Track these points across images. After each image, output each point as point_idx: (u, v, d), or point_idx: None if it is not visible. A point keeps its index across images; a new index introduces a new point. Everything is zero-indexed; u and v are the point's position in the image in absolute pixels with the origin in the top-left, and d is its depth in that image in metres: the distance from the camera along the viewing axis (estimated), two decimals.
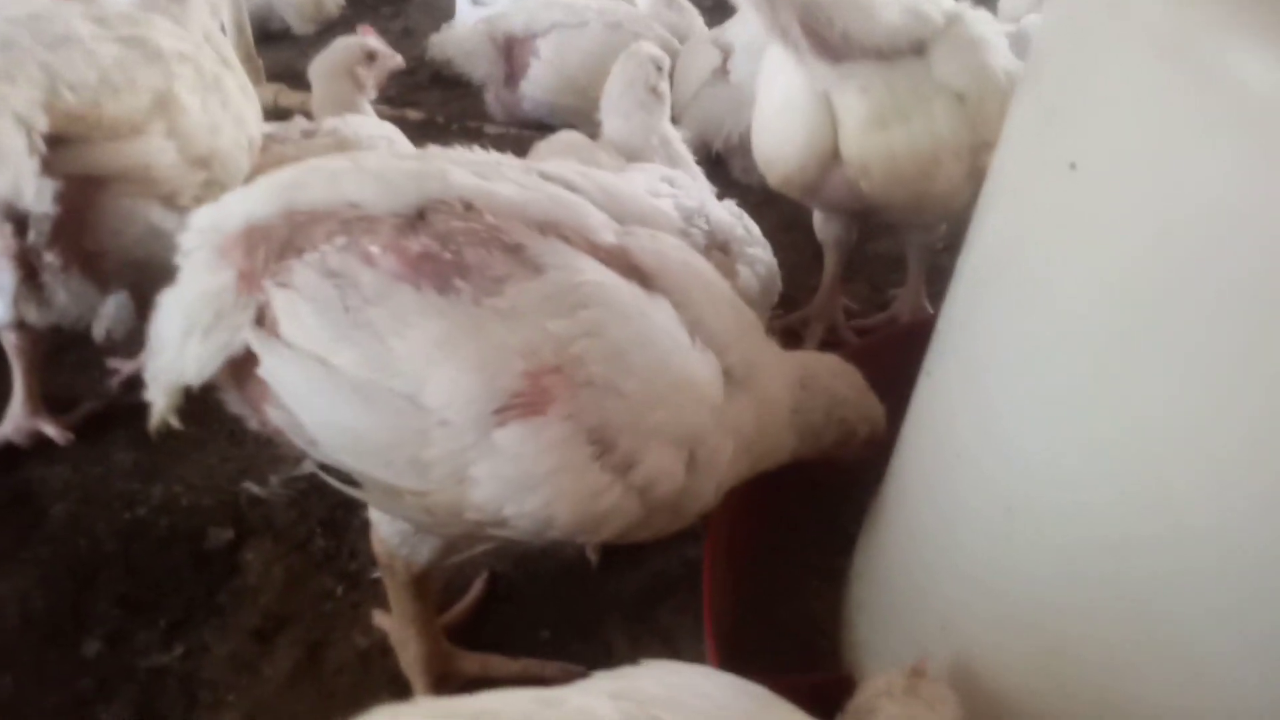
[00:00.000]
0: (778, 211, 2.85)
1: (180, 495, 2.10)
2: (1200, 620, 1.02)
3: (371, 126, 2.53)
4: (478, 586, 1.89)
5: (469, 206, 1.26)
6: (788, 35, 1.96)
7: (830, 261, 2.58)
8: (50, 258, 1.75)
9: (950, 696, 1.15)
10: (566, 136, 2.38)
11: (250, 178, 1.66)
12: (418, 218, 1.24)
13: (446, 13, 4.09)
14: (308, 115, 2.65)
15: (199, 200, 1.38)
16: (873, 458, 1.72)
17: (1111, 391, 1.04)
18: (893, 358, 1.62)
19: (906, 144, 2.05)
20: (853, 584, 1.71)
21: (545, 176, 1.38)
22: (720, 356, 1.38)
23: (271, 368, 1.23)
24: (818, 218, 2.53)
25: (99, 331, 2.25)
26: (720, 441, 1.37)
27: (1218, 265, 0.91)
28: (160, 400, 1.31)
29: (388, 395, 1.19)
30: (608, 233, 1.36)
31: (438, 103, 3.89)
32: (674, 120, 2.52)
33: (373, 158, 1.32)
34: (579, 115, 3.10)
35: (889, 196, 2.13)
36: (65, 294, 1.81)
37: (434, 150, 1.43)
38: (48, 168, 1.60)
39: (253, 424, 1.41)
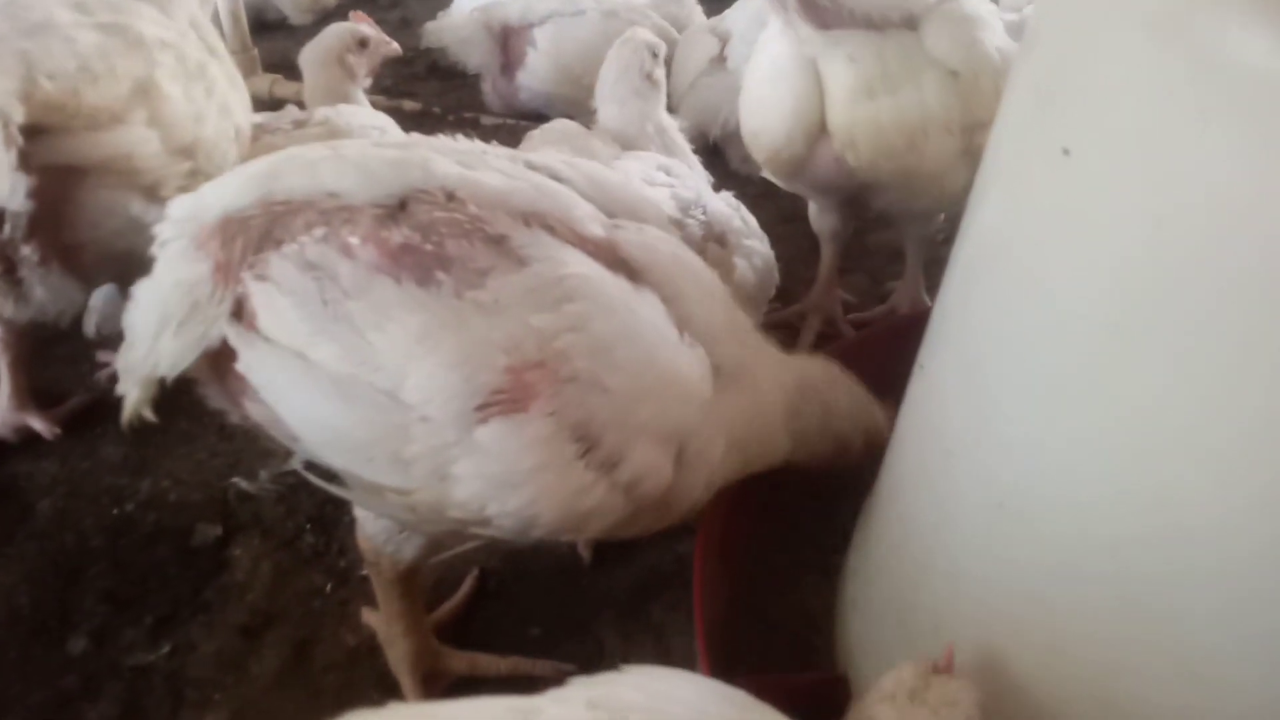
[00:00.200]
0: (775, 204, 2.83)
1: (168, 490, 2.08)
2: (1197, 619, 1.00)
3: (364, 116, 2.49)
4: (468, 583, 1.87)
5: (452, 196, 1.24)
6: None
7: (827, 254, 2.56)
8: (27, 252, 1.72)
9: (963, 698, 1.11)
10: (561, 125, 2.35)
11: None
12: (399, 208, 1.22)
13: (444, 2, 4.06)
14: (302, 106, 2.61)
15: (183, 192, 1.35)
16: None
17: (1107, 385, 1.02)
18: (891, 350, 1.59)
19: (894, 115, 2.02)
20: (847, 581, 1.68)
21: (531, 166, 1.35)
22: (709, 352, 1.36)
23: (250, 362, 1.22)
24: (813, 209, 2.50)
25: (89, 325, 2.24)
26: (710, 438, 1.35)
27: (1216, 253, 0.88)
28: (134, 393, 1.29)
29: (367, 391, 1.17)
30: (595, 224, 1.33)
31: (434, 93, 3.87)
32: (671, 109, 2.50)
33: (353, 146, 1.30)
34: (576, 105, 3.07)
35: (876, 171, 2.10)
36: (44, 289, 1.78)
37: (417, 138, 1.40)
38: (25, 159, 1.58)
39: (234, 418, 1.39)
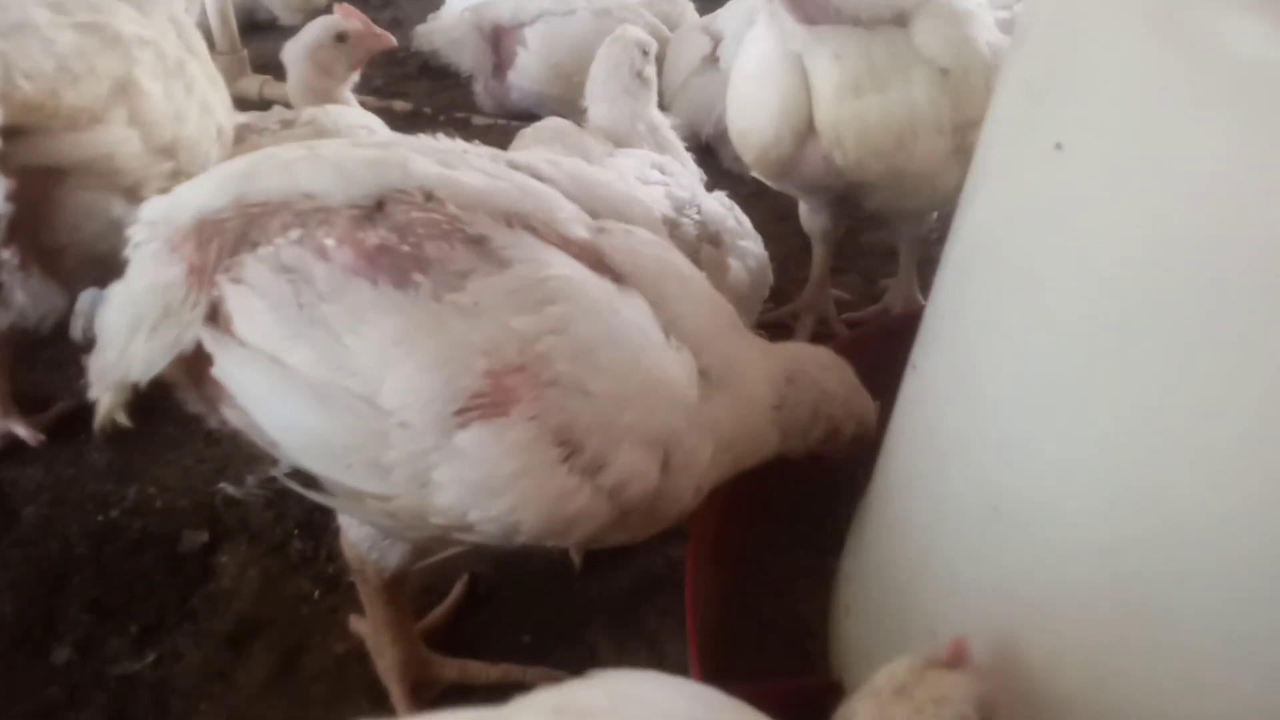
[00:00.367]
0: (768, 203, 2.80)
1: (155, 497, 2.06)
2: (1196, 623, 0.97)
3: (353, 116, 2.46)
4: (457, 589, 1.85)
5: (430, 196, 1.21)
6: None
7: (818, 254, 2.53)
8: (7, 256, 1.70)
9: (955, 695, 1.04)
10: (553, 124, 2.32)
11: None
12: (376, 209, 1.19)
13: (436, 3, 4.04)
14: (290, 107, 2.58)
15: (165, 192, 1.33)
16: (864, 454, 1.67)
17: (1103, 384, 0.99)
18: (885, 350, 1.57)
19: (881, 113, 1.99)
20: (841, 585, 1.66)
21: (514, 165, 1.33)
22: (696, 355, 1.34)
23: (225, 367, 1.20)
24: (804, 210, 2.48)
25: (76, 329, 2.21)
26: (697, 442, 1.33)
27: (1214, 248, 0.86)
28: (106, 398, 1.27)
29: (344, 396, 1.14)
30: (579, 226, 1.31)
31: (425, 93, 3.84)
32: (663, 108, 2.47)
33: (330, 145, 1.27)
34: (567, 105, 3.04)
35: (864, 171, 2.07)
36: (24, 294, 1.76)
37: (396, 137, 1.38)
38: (4, 160, 1.56)
39: (212, 423, 1.37)
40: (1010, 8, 2.53)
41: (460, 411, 1.13)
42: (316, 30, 2.58)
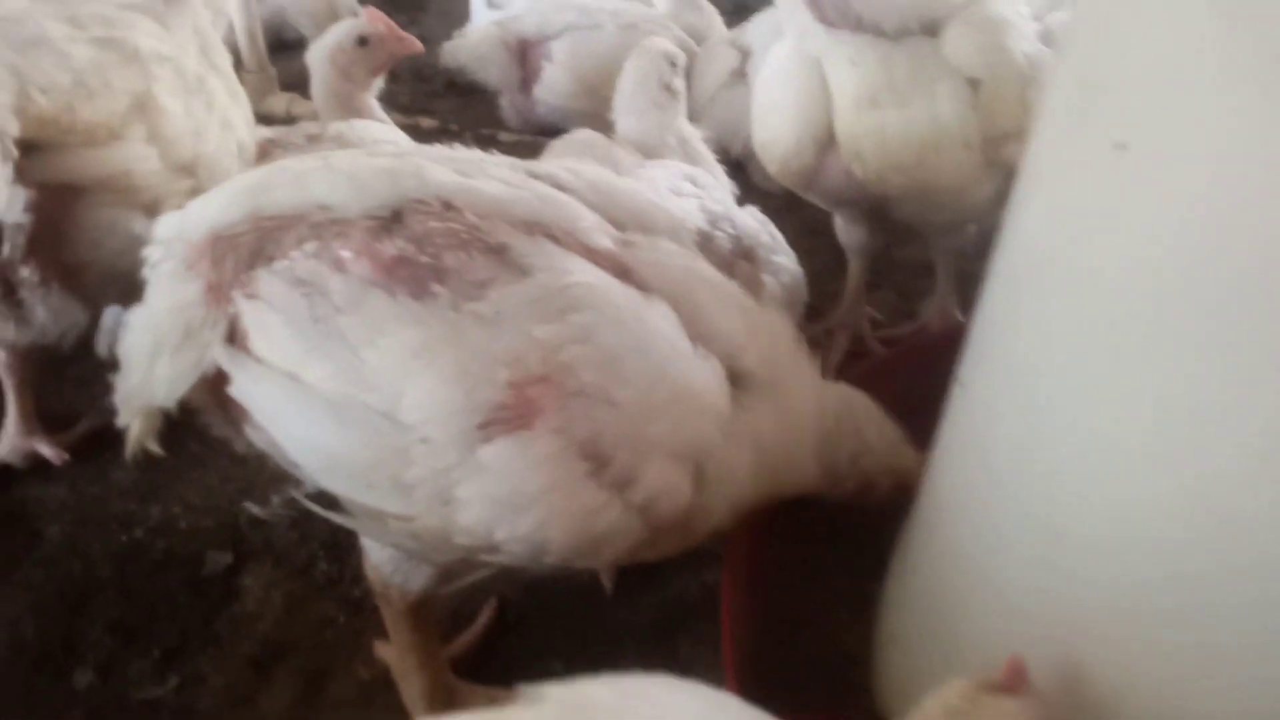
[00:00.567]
0: (800, 217, 2.74)
1: (179, 516, 2.03)
2: None
3: (379, 130, 2.42)
4: (485, 614, 1.80)
5: (449, 206, 1.18)
6: None
7: (854, 269, 2.47)
8: (27, 273, 1.68)
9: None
10: (583, 135, 2.28)
11: None
12: (393, 219, 1.16)
13: (462, 20, 4.04)
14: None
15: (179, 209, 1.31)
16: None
17: (1180, 400, 0.92)
18: (922, 369, 1.50)
19: (900, 128, 1.92)
20: (884, 613, 1.59)
21: (534, 175, 1.29)
22: (733, 360, 1.29)
23: (243, 386, 1.17)
24: (839, 223, 2.42)
25: (102, 346, 2.19)
26: (733, 454, 1.27)
27: None
28: (135, 425, 1.25)
29: (363, 412, 1.10)
30: (601, 235, 1.26)
31: (452, 110, 3.84)
32: (691, 122, 2.42)
33: (344, 156, 1.24)
34: (594, 120, 3.00)
35: (886, 185, 2.01)
36: (45, 311, 1.74)
37: (412, 147, 1.34)
38: (21, 176, 1.54)
39: (238, 446, 1.34)
40: (1042, 19, 2.46)
41: (483, 424, 1.09)
42: (339, 33, 2.54)
